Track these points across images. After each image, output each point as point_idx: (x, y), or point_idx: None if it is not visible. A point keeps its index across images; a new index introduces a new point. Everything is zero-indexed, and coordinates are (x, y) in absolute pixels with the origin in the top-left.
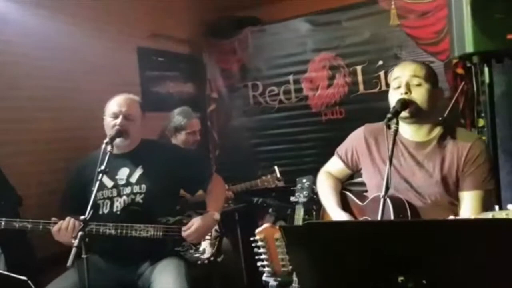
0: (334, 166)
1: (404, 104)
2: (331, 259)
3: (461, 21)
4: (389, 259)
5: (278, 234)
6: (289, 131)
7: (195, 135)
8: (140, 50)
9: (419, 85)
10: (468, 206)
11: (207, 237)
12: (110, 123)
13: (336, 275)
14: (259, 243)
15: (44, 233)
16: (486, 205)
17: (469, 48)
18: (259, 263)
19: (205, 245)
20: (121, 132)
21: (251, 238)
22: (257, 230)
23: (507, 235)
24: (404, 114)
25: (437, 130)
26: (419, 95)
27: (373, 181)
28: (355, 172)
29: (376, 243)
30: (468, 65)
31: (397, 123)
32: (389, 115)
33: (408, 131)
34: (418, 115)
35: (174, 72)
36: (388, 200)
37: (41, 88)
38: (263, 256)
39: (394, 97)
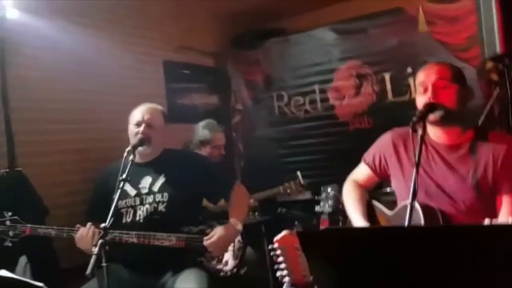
0: (361, 173)
1: (431, 107)
2: (351, 267)
3: (491, 23)
4: (415, 267)
5: (298, 242)
6: (316, 142)
7: (220, 149)
8: (166, 63)
9: (446, 87)
10: (507, 211)
11: (230, 248)
12: (133, 131)
13: (356, 284)
14: (278, 252)
15: (69, 244)
16: None
17: (499, 48)
18: (278, 273)
19: (228, 256)
20: (143, 141)
21: (269, 247)
22: (275, 238)
23: None
24: (433, 117)
25: (469, 133)
26: (447, 97)
27: (402, 188)
28: (383, 179)
29: (399, 250)
30: (501, 67)
31: (424, 127)
32: (414, 119)
33: (438, 134)
34: (448, 118)
35: (199, 84)
36: (419, 208)
37: (69, 101)
38: (282, 266)
39: (421, 102)
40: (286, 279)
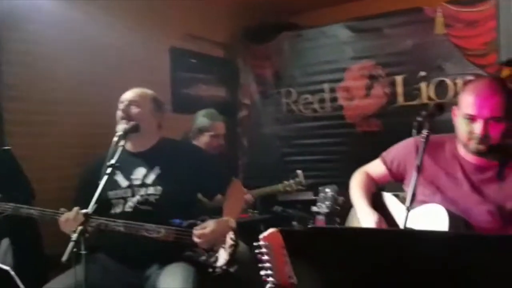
0: (376, 169)
1: (439, 108)
2: (336, 270)
3: (509, 25)
4: (402, 272)
5: None
6: (322, 142)
7: (218, 138)
8: (172, 50)
9: (496, 125)
10: None
11: (221, 244)
12: (118, 115)
13: (339, 286)
14: (263, 250)
15: (57, 230)
16: None
17: None
18: (262, 272)
19: (218, 253)
20: (135, 127)
21: (254, 244)
22: (261, 235)
23: None
24: (477, 149)
25: (500, 156)
26: (494, 134)
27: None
28: (397, 181)
29: (388, 253)
30: None
31: (430, 128)
32: (419, 119)
33: (469, 154)
34: (488, 152)
35: (206, 75)
36: (446, 212)
37: (71, 81)
38: (266, 265)
39: (465, 130)
40: (270, 278)
